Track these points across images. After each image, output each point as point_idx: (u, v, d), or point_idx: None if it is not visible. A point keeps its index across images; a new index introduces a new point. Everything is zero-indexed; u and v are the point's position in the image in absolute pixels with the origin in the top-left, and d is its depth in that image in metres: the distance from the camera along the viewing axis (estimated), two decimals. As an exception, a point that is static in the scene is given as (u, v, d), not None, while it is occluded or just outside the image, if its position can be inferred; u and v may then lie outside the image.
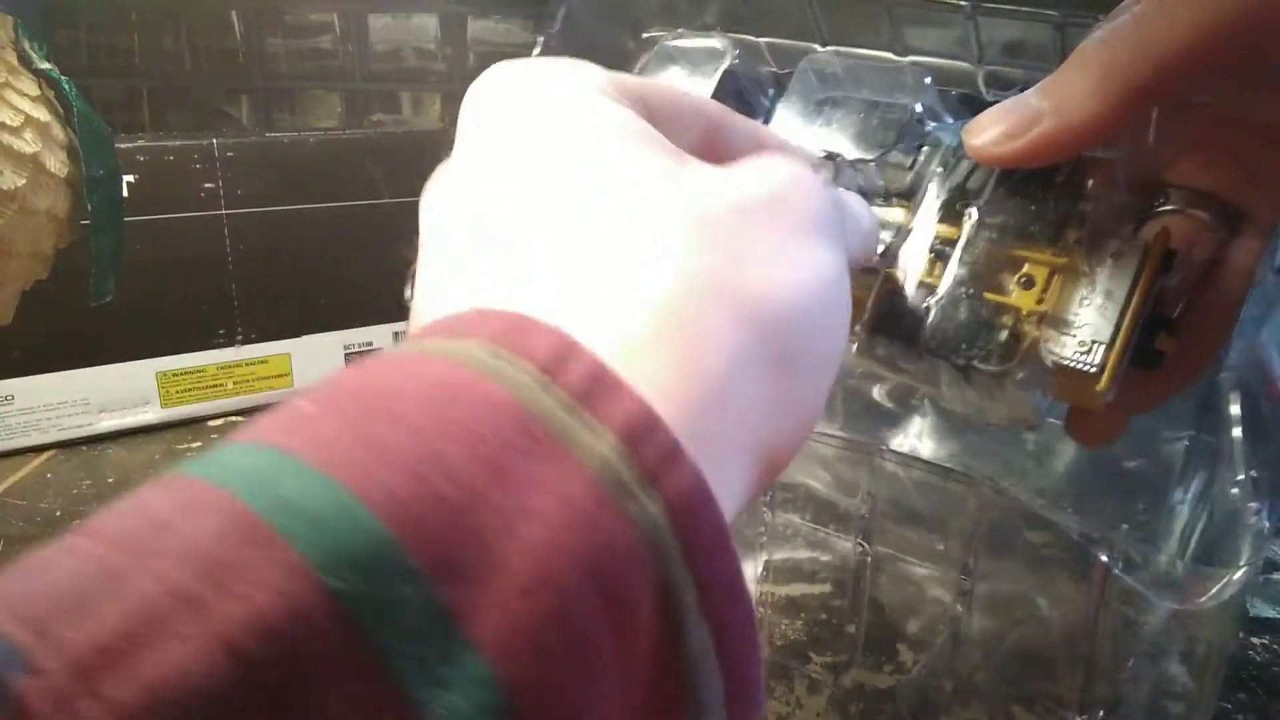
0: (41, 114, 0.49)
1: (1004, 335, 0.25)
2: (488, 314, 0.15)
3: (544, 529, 0.12)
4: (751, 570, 0.36)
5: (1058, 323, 0.25)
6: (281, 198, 0.60)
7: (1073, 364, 0.25)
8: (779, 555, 0.36)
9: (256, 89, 0.72)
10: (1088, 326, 0.25)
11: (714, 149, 0.23)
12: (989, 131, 0.25)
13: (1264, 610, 0.44)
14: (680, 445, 0.14)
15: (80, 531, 0.12)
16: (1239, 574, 0.23)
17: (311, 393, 0.14)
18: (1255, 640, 0.42)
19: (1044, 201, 0.26)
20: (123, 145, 0.54)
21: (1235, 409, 0.23)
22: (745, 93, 0.33)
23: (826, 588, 0.37)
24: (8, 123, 0.47)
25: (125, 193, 0.54)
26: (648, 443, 0.14)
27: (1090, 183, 0.26)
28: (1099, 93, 0.23)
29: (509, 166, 0.19)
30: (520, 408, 0.13)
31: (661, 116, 0.21)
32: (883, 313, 0.27)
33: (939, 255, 0.27)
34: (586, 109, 0.20)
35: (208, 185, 0.58)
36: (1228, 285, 0.27)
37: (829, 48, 0.30)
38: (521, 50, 0.25)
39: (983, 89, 0.29)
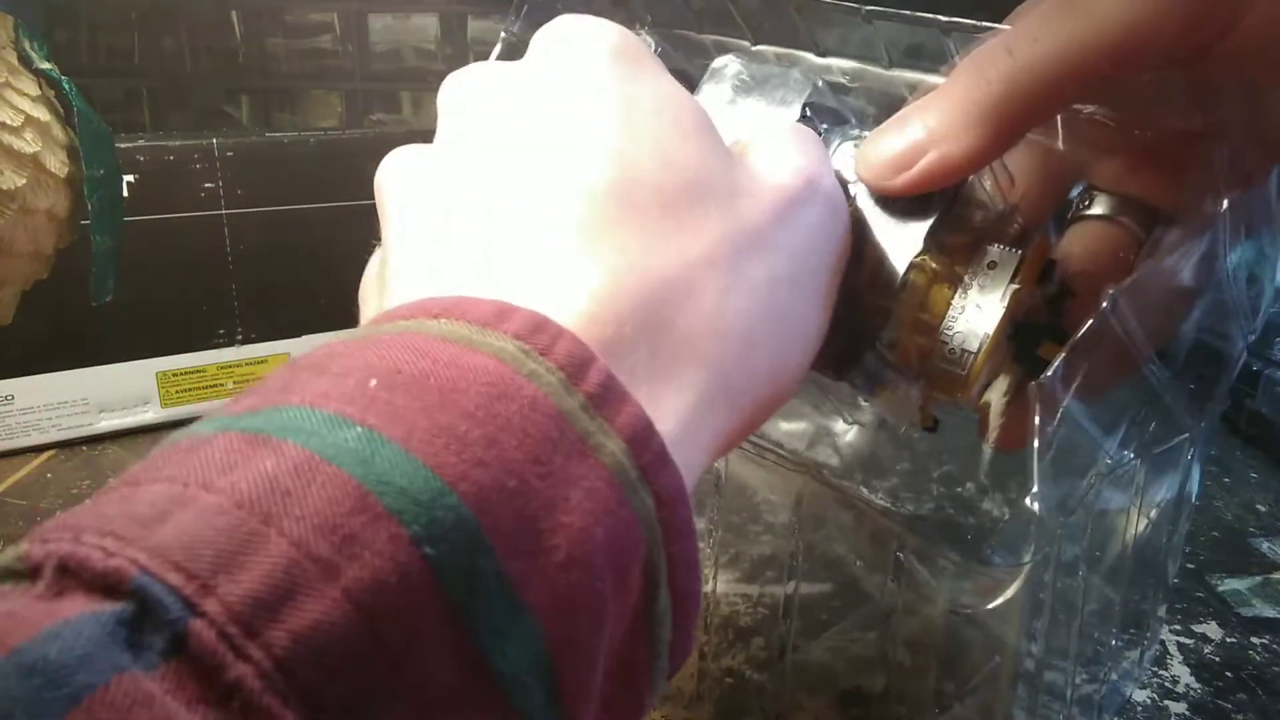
0: (42, 114, 0.49)
1: (878, 346, 0.26)
2: (509, 309, 0.17)
3: (578, 517, 0.15)
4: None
5: (933, 332, 0.26)
6: (281, 198, 0.60)
7: (943, 369, 0.25)
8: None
9: (256, 89, 0.72)
10: (959, 334, 0.25)
11: None
12: (878, 164, 0.25)
13: (1264, 610, 0.44)
14: (667, 451, 0.17)
15: (190, 468, 0.14)
16: (1018, 578, 0.25)
17: (366, 365, 0.15)
18: (1255, 640, 0.42)
19: (924, 209, 0.26)
20: (123, 145, 0.54)
21: (1036, 420, 0.24)
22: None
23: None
24: (8, 122, 0.47)
25: (125, 192, 0.54)
26: (645, 447, 0.17)
27: (971, 192, 0.27)
28: (976, 126, 0.24)
29: (501, 142, 0.21)
30: (557, 410, 0.16)
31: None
32: None
33: None
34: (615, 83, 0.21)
35: (208, 185, 0.58)
36: (1167, 293, 0.27)
37: (730, 54, 0.30)
38: (521, 51, 0.25)
39: (905, 93, 0.30)
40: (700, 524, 0.39)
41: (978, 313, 0.25)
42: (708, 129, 0.22)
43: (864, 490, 0.29)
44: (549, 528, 0.15)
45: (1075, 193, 0.30)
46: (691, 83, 0.31)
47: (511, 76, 0.22)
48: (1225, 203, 0.25)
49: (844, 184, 0.27)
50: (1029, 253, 0.26)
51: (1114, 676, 0.38)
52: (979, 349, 0.25)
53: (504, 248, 0.19)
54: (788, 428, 0.33)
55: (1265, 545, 0.49)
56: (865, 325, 0.26)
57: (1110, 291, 0.24)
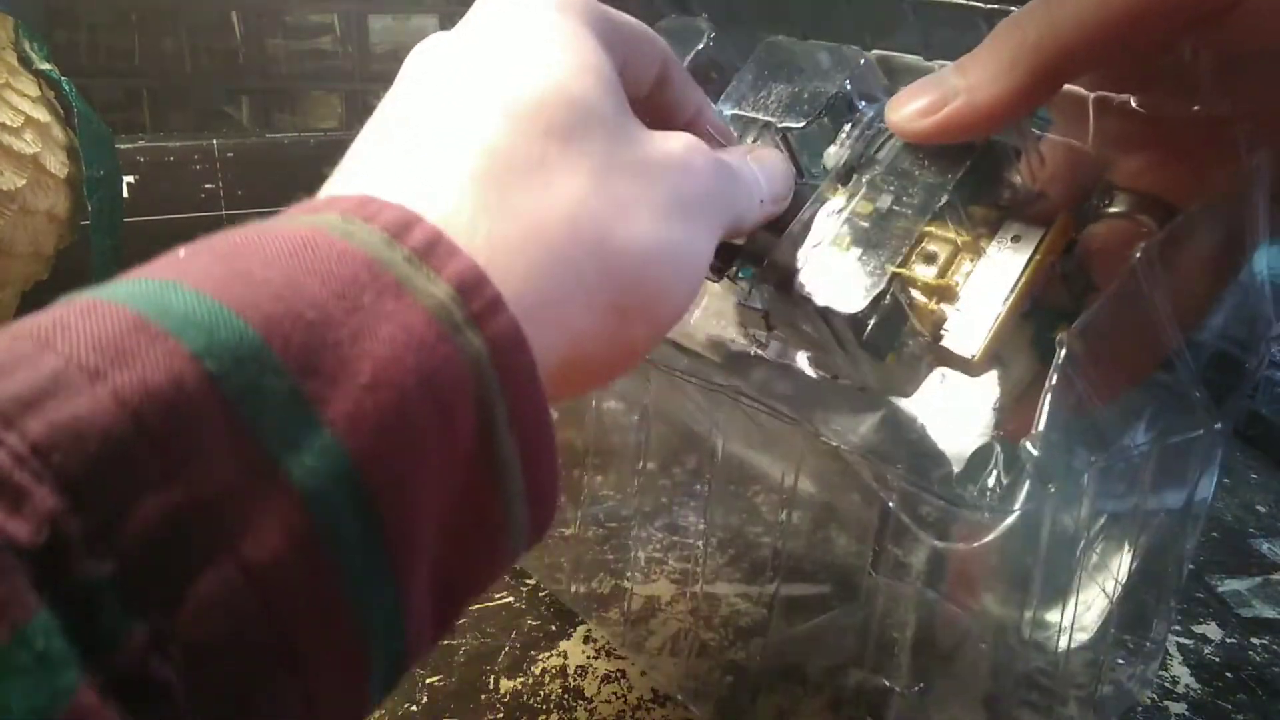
0: (42, 115, 0.49)
1: (893, 304, 0.26)
2: (340, 196, 0.18)
3: (387, 345, 0.16)
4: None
5: (952, 299, 0.26)
6: (281, 198, 0.59)
7: (953, 343, 0.25)
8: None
9: (256, 90, 0.72)
10: (975, 304, 0.25)
11: (661, 89, 0.27)
12: (906, 107, 0.26)
13: (1263, 611, 0.44)
14: (502, 300, 0.17)
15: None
16: (1006, 519, 0.24)
17: (183, 247, 0.16)
18: (1255, 640, 0.42)
19: (955, 178, 0.26)
20: (123, 146, 0.54)
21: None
22: (716, 71, 0.35)
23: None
24: (8, 123, 0.47)
25: (125, 193, 0.54)
26: (476, 294, 0.17)
27: (1002, 169, 0.27)
28: (1008, 73, 0.24)
29: (449, 66, 0.22)
30: (369, 257, 0.16)
31: (632, 43, 0.25)
32: (781, 269, 0.28)
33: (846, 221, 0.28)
34: (547, 26, 0.22)
35: (208, 186, 0.58)
36: (1190, 283, 0.27)
37: (785, 37, 0.32)
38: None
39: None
40: (702, 525, 0.39)
41: (997, 281, 0.25)
42: (609, 82, 0.23)
43: (850, 438, 0.29)
44: (353, 354, 0.15)
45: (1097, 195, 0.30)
46: (726, 73, 0.33)
47: (461, 27, 0.23)
48: (1255, 164, 0.25)
49: (867, 151, 0.27)
50: (1052, 230, 0.26)
51: (1121, 677, 0.38)
52: (995, 318, 0.25)
53: (387, 155, 0.20)
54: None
55: (1265, 546, 0.50)
56: (880, 282, 0.26)
57: (1141, 246, 0.24)
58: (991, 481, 0.25)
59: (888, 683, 0.32)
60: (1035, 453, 0.23)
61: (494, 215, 0.19)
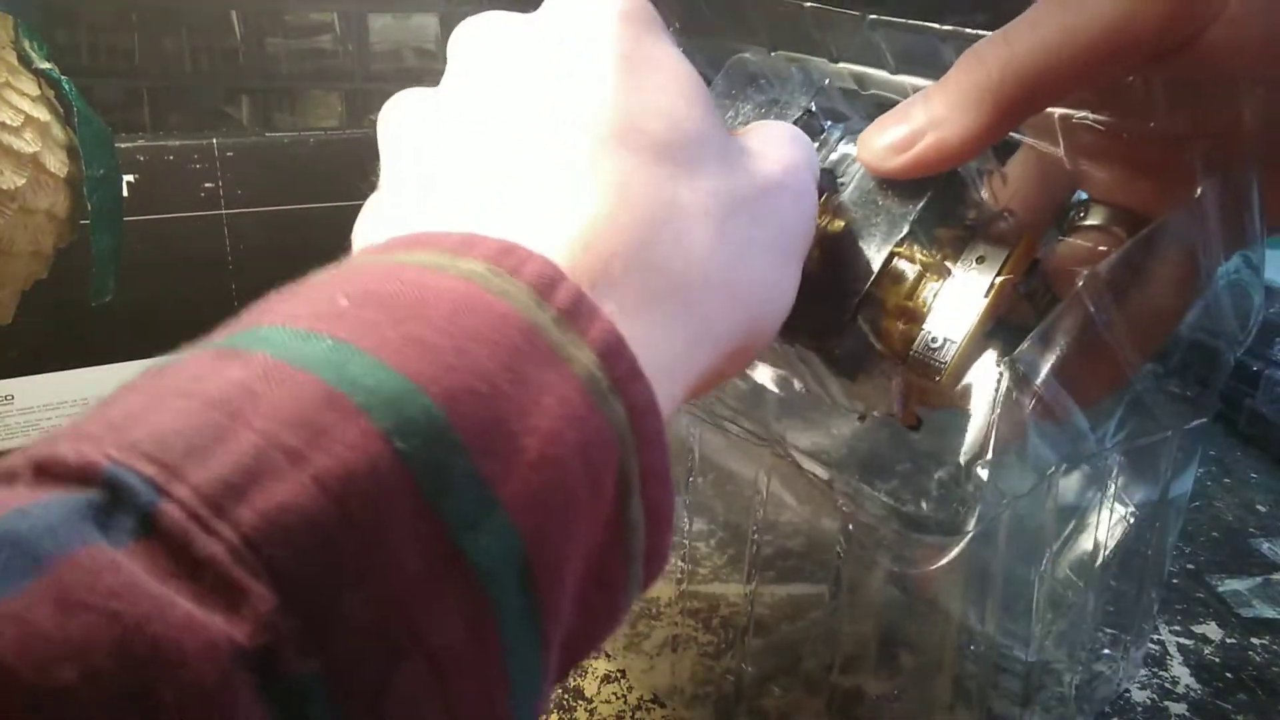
0: (41, 114, 0.49)
1: (861, 324, 0.27)
2: (479, 237, 0.17)
3: (549, 420, 0.16)
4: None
5: (919, 319, 0.26)
6: (281, 198, 0.60)
7: (924, 359, 0.26)
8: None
9: (256, 89, 0.72)
10: (943, 324, 0.26)
11: None
12: (877, 144, 0.26)
13: (1263, 611, 0.44)
14: (639, 365, 0.17)
15: (163, 383, 0.14)
16: (956, 545, 0.25)
17: (337, 288, 0.16)
18: (1255, 641, 0.42)
19: (915, 195, 0.27)
20: (122, 145, 0.54)
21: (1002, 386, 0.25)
22: None
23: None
24: (8, 122, 0.47)
25: (125, 192, 0.54)
26: (618, 360, 0.17)
27: (965, 190, 0.28)
28: (974, 109, 0.25)
29: (502, 89, 0.21)
30: (525, 323, 0.16)
31: None
32: None
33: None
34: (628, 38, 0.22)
35: (208, 185, 0.58)
36: (1154, 299, 0.28)
37: (748, 51, 0.32)
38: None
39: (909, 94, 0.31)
40: (703, 525, 0.39)
41: (962, 302, 0.26)
42: (707, 100, 0.22)
43: (811, 461, 0.29)
44: (521, 429, 0.15)
45: (1074, 208, 0.31)
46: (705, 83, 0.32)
47: (522, 28, 0.22)
48: (1200, 190, 0.26)
49: (836, 176, 0.28)
50: (1016, 249, 0.26)
51: (1103, 668, 0.38)
52: (961, 338, 0.25)
53: (493, 187, 0.19)
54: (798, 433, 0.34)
55: (1265, 546, 0.49)
56: (849, 305, 0.27)
57: (1085, 272, 0.24)
58: (944, 505, 0.26)
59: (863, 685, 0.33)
60: (984, 476, 0.24)
61: (626, 265, 0.19)
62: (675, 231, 0.20)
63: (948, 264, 0.26)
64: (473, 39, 0.23)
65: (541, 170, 0.19)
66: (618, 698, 0.37)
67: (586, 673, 0.38)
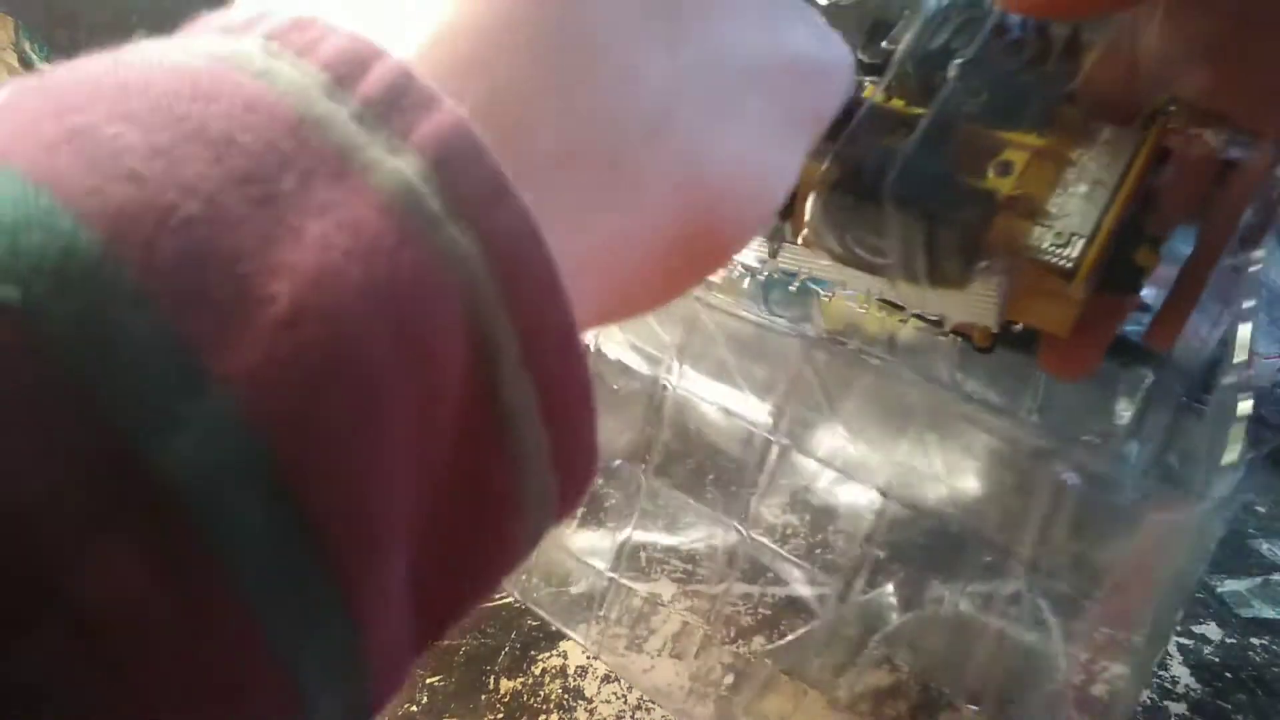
0: (42, 115, 0.49)
1: (975, 213, 0.23)
2: (270, 11, 0.12)
3: (317, 254, 0.10)
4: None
5: (1036, 212, 0.23)
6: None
7: (1047, 257, 0.22)
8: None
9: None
10: (1068, 218, 0.23)
11: None
12: None
13: (1263, 611, 0.44)
14: (503, 175, 0.12)
15: None
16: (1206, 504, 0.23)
17: (27, 79, 0.11)
18: (1255, 641, 0.42)
19: (1031, 77, 0.24)
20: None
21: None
22: None
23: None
24: (8, 123, 0.47)
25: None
26: (464, 169, 0.11)
27: (1084, 64, 0.24)
28: None
29: None
30: (295, 114, 0.11)
31: None
32: (846, 168, 0.25)
33: (906, 124, 0.25)
34: None
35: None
36: (1232, 207, 0.24)
37: None
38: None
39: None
40: (704, 525, 0.39)
41: (1093, 195, 0.23)
42: None
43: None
44: (261, 269, 0.10)
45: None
46: None
47: None
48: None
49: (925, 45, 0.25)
50: (1150, 136, 0.23)
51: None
52: (1092, 234, 0.22)
53: None
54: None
55: (1265, 546, 0.50)
56: (967, 190, 0.23)
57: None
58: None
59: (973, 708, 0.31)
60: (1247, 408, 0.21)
61: (511, 65, 0.13)
62: (620, 65, 0.14)
63: (1064, 151, 0.23)
64: None
65: None
66: (617, 697, 0.37)
67: (587, 673, 0.38)
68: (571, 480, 0.14)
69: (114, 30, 0.68)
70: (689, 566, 0.39)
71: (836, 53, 0.20)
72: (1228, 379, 0.23)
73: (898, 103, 0.25)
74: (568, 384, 0.13)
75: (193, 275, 0.10)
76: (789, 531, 0.36)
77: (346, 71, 0.11)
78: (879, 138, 0.25)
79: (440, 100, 0.12)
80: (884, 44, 0.27)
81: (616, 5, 0.14)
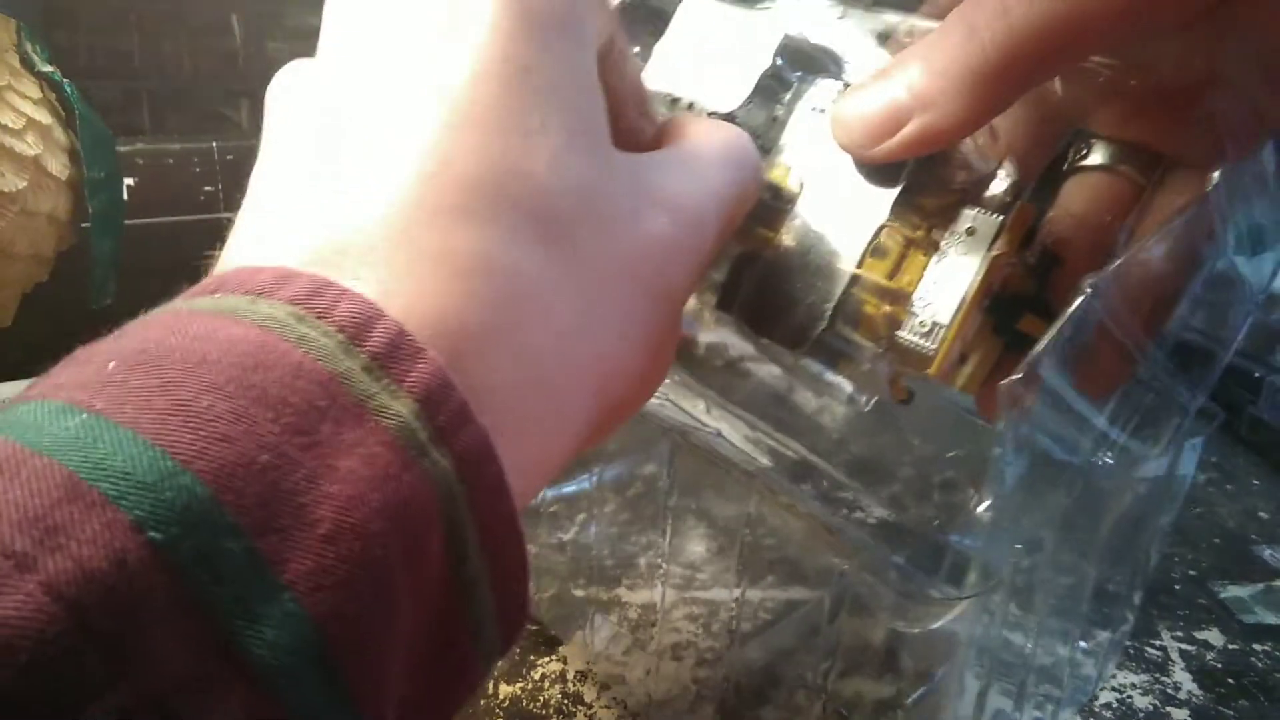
0: (43, 117, 0.49)
1: (841, 308, 0.24)
2: (293, 274, 0.16)
3: (348, 484, 0.14)
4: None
5: (903, 301, 0.24)
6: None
7: (910, 346, 0.24)
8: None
9: (256, 92, 0.72)
10: (931, 305, 0.23)
11: (604, 62, 0.21)
12: (855, 128, 0.24)
13: (1265, 617, 0.44)
14: (468, 407, 0.16)
15: None
16: (957, 606, 0.24)
17: (112, 350, 0.15)
18: (1257, 647, 0.42)
19: (896, 171, 0.24)
20: (122, 148, 0.54)
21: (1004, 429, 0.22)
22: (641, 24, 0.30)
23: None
24: (9, 125, 0.47)
25: (125, 196, 0.54)
26: (440, 405, 0.15)
27: (952, 151, 0.25)
28: (966, 94, 0.22)
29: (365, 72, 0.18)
30: (325, 372, 0.14)
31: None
32: (730, 284, 0.26)
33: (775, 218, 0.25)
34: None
35: (207, 188, 0.58)
36: (1160, 283, 0.25)
37: None
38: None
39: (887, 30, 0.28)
40: (702, 530, 0.39)
41: (952, 282, 0.23)
42: (596, 131, 0.20)
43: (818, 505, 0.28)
44: (310, 500, 0.14)
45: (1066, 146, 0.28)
46: (664, 18, 0.29)
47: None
48: (1216, 176, 0.24)
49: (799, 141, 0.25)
50: (1010, 218, 0.24)
51: (1079, 658, 0.38)
52: (951, 320, 0.23)
53: (328, 217, 0.17)
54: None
55: (1267, 552, 0.49)
56: (828, 294, 0.24)
57: (1090, 281, 0.22)
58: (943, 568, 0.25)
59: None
60: (987, 522, 0.23)
61: (481, 349, 0.17)
62: (540, 309, 0.18)
63: (935, 237, 0.24)
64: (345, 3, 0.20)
65: (371, 207, 0.17)
66: (617, 703, 0.37)
67: (586, 678, 0.38)
68: (510, 630, 0.17)
69: (114, 33, 0.68)
70: (688, 573, 0.39)
71: (703, 219, 0.22)
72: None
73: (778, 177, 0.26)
74: (512, 558, 0.17)
75: (267, 509, 0.13)
76: (787, 535, 0.36)
77: (355, 332, 0.15)
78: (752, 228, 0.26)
79: (424, 351, 0.15)
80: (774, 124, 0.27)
81: (559, 274, 0.18)
